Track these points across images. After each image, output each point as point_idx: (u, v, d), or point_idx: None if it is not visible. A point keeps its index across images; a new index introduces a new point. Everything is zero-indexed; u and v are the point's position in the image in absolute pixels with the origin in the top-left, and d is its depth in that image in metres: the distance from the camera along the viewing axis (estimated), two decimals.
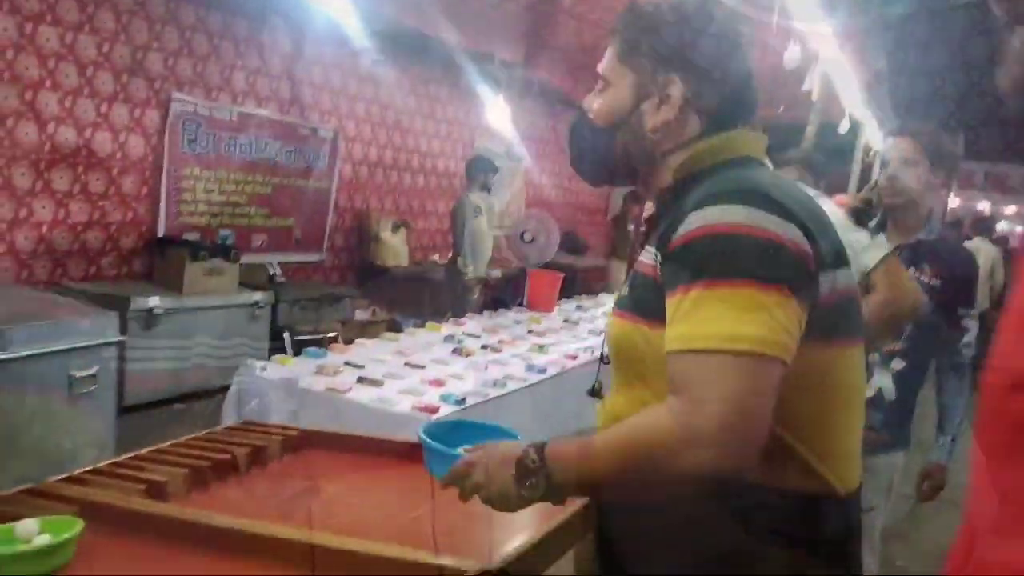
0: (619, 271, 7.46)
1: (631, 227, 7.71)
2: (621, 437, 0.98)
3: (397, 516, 1.49)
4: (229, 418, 3.24)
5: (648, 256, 1.08)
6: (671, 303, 0.98)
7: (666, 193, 1.14)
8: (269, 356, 4.82)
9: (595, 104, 1.19)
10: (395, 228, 6.90)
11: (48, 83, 4.34)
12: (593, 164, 1.23)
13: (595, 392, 1.19)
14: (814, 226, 0.99)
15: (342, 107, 6.43)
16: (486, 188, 5.88)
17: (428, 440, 1.16)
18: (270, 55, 5.70)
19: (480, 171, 5.83)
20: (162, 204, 5.05)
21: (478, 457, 1.09)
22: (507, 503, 1.06)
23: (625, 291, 1.12)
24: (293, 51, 5.87)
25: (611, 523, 1.16)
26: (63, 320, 2.66)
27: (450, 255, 6.07)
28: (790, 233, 0.95)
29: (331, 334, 5.41)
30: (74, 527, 1.26)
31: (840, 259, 1.03)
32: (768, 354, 0.90)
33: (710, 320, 0.92)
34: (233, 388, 3.28)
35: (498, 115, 6.88)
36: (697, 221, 0.98)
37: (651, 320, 1.02)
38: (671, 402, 0.94)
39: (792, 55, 3.69)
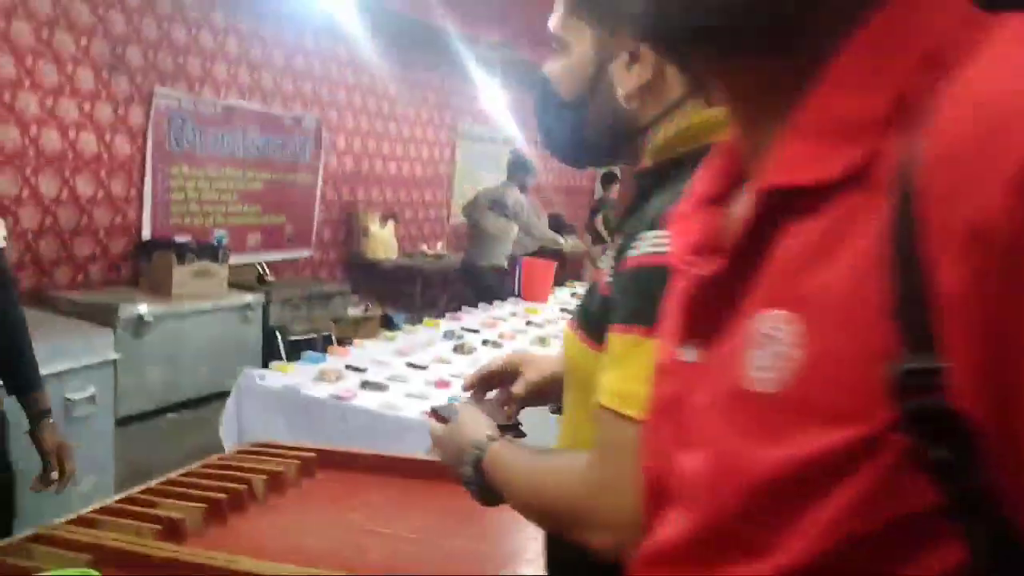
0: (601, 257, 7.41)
1: (600, 215, 7.64)
2: (536, 489, 0.88)
3: (433, 544, 1.42)
4: (230, 429, 3.15)
5: (607, 267, 0.89)
6: (609, 337, 0.82)
7: (643, 178, 0.92)
8: (263, 359, 4.73)
9: (555, 71, 0.97)
10: (384, 220, 6.79)
11: (27, 83, 4.19)
12: (564, 143, 1.01)
13: (559, 410, 1.06)
14: None
15: (324, 95, 6.29)
16: (524, 189, 5.97)
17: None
18: (250, 44, 5.55)
19: (521, 171, 5.94)
20: (147, 205, 4.91)
21: (440, 442, 1.04)
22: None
23: (582, 301, 0.96)
24: (273, 38, 5.73)
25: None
26: (58, 343, 2.55)
27: (480, 248, 6.08)
28: None
29: (324, 333, 5.32)
30: None
31: None
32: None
33: (632, 378, 0.76)
34: (232, 398, 3.19)
35: (490, 98, 6.79)
36: (645, 244, 0.80)
37: (598, 344, 0.86)
38: (583, 470, 0.81)
39: None
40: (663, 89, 0.90)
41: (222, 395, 4.34)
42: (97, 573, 1.20)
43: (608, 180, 7.92)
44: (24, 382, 1.78)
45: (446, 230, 8.11)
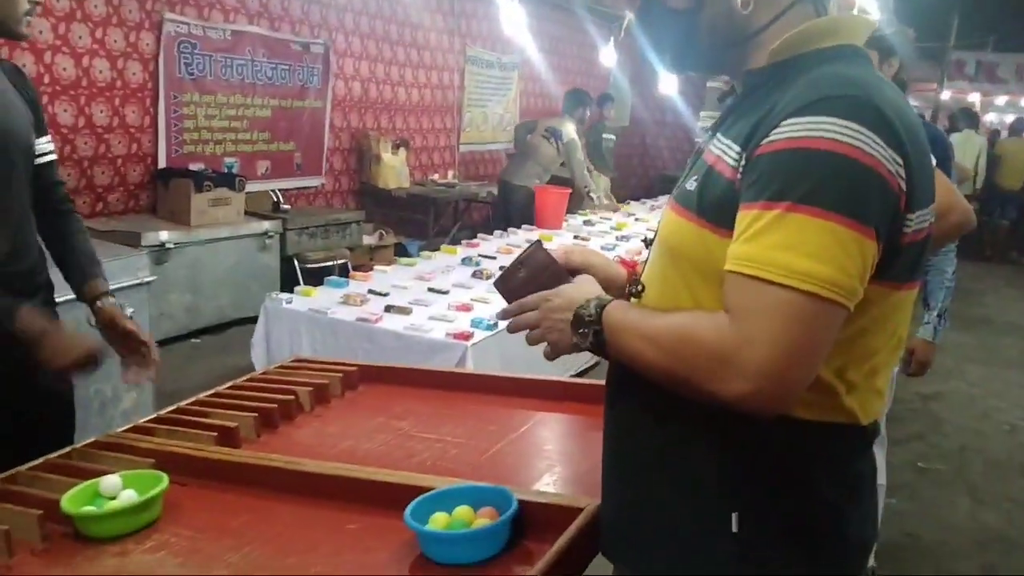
0: (596, 182, 7.41)
1: (604, 139, 7.56)
2: (669, 332, 0.92)
3: (479, 448, 1.47)
4: (259, 352, 3.23)
5: (727, 153, 0.94)
6: (745, 215, 0.87)
7: (756, 76, 0.99)
8: (281, 286, 4.79)
9: None
10: (395, 148, 6.75)
11: (38, 8, 4.13)
12: (676, 52, 1.06)
13: (636, 293, 1.10)
14: (917, 156, 0.89)
15: (331, 20, 6.19)
16: (582, 121, 6.24)
17: (420, 527, 1.07)
18: None
19: (579, 104, 6.15)
20: (162, 133, 4.90)
21: (551, 294, 1.09)
22: (558, 346, 1.08)
23: (692, 185, 0.98)
24: None
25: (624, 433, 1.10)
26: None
27: (517, 168, 6.15)
28: (893, 166, 0.85)
29: (340, 261, 5.36)
30: (159, 482, 1.23)
31: (931, 194, 0.94)
32: (835, 300, 0.83)
33: (784, 248, 0.84)
34: (261, 320, 3.25)
35: (504, 19, 6.66)
36: (795, 129, 0.85)
37: (720, 227, 0.92)
38: (723, 323, 0.88)
39: None
40: None
41: (243, 321, 4.44)
42: (165, 475, 1.25)
43: (604, 101, 7.77)
44: (85, 270, 1.81)
45: (455, 158, 8.06)
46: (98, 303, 1.77)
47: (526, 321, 1.11)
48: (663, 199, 6.47)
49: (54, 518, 1.18)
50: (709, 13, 1.00)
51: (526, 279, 1.15)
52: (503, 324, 3.03)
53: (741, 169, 0.91)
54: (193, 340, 4.52)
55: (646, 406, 1.02)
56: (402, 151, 6.82)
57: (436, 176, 7.55)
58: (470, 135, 8.16)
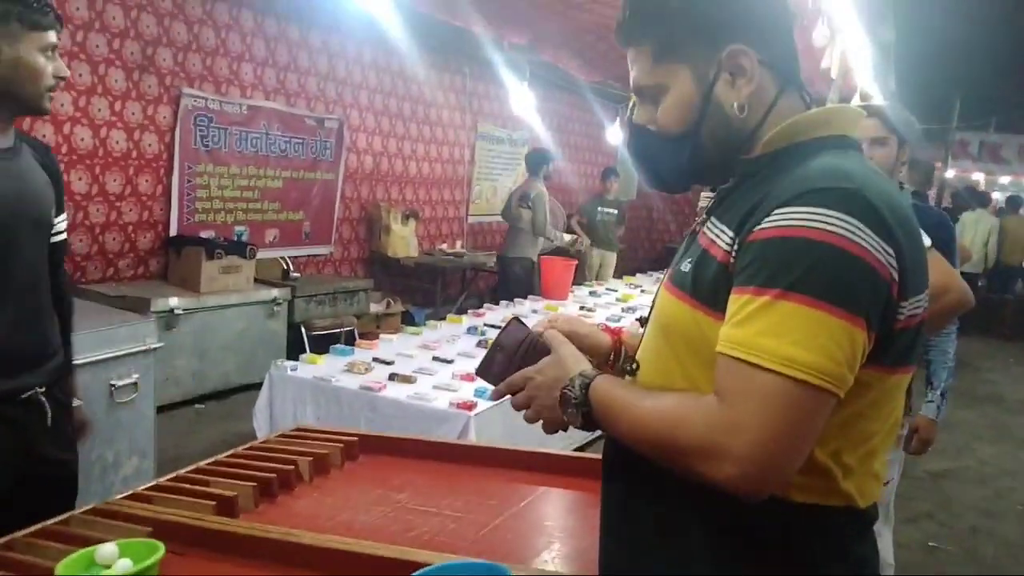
0: (594, 257, 7.52)
1: (600, 212, 7.62)
2: (659, 413, 0.93)
3: (478, 523, 1.46)
4: (262, 419, 3.23)
5: (720, 237, 0.96)
6: (737, 299, 0.89)
7: (751, 165, 1.02)
8: (288, 352, 4.81)
9: (658, 116, 1.05)
10: (404, 219, 6.86)
11: (62, 83, 4.28)
12: (679, 175, 1.10)
13: (631, 371, 1.11)
14: (908, 244, 0.91)
15: (346, 97, 6.37)
16: (547, 177, 6.34)
17: None
18: (276, 46, 5.64)
19: (540, 162, 6.28)
20: (174, 202, 5.00)
21: (534, 371, 1.10)
22: (552, 423, 1.09)
23: (686, 267, 1.00)
24: (299, 40, 5.82)
25: (617, 505, 1.10)
26: (102, 329, 2.62)
27: (511, 242, 6.28)
28: (884, 257, 0.87)
29: (348, 328, 5.38)
30: (155, 551, 1.23)
31: (924, 281, 0.96)
32: (823, 387, 0.84)
33: (773, 334, 0.85)
34: (265, 388, 3.26)
35: (514, 99, 6.87)
36: (787, 218, 0.88)
37: (713, 309, 0.94)
38: (712, 406, 0.88)
39: (822, 33, 3.64)
40: (763, 92, 1.02)
41: (249, 387, 4.44)
42: (161, 544, 1.25)
43: (607, 176, 7.86)
44: (67, 360, 1.85)
45: (464, 229, 8.17)
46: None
47: (517, 402, 1.12)
48: None
49: None
50: (708, 128, 1.03)
51: (505, 360, 1.16)
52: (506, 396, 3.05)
53: (734, 254, 0.93)
54: (197, 406, 4.52)
55: (641, 483, 1.02)
56: (411, 221, 6.92)
57: (444, 246, 7.64)
58: (479, 207, 8.28)
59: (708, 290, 0.95)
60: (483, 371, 1.18)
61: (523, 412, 1.13)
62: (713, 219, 1.01)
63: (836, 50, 4.07)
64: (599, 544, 1.11)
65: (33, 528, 1.39)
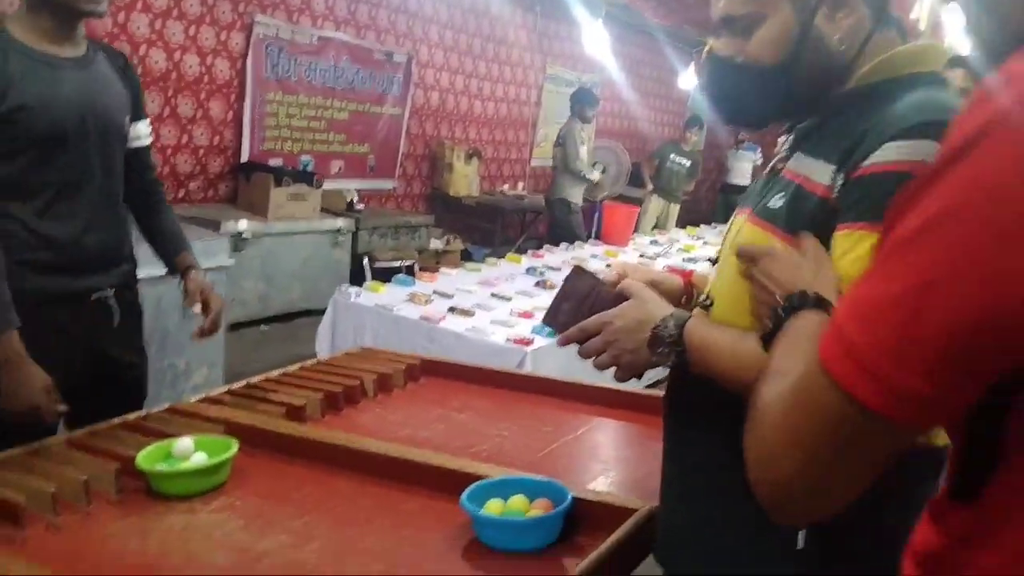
0: (655, 206, 7.40)
1: (672, 160, 7.44)
2: (753, 365, 0.86)
3: (535, 448, 1.49)
4: (324, 341, 3.30)
5: (818, 172, 0.95)
6: (849, 234, 0.88)
7: (842, 98, 1.00)
8: (350, 282, 4.89)
9: (749, 47, 1.02)
10: (468, 157, 6.85)
11: (139, 5, 4.35)
12: (765, 109, 1.07)
13: (706, 307, 1.09)
14: None
15: (416, 31, 6.32)
16: (587, 120, 6.11)
17: (476, 511, 1.10)
18: None
19: (584, 103, 6.02)
20: (245, 128, 5.07)
21: (612, 316, 1.07)
22: (631, 368, 1.07)
23: (777, 203, 0.98)
24: None
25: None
26: None
27: (552, 184, 6.23)
28: None
29: (408, 262, 5.44)
30: (230, 448, 1.28)
31: None
32: None
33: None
34: (328, 312, 3.33)
35: (591, 39, 6.71)
36: (896, 153, 0.87)
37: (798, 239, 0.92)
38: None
39: None
40: (860, 24, 0.99)
41: (312, 313, 4.55)
42: (235, 441, 1.30)
43: (689, 124, 7.66)
44: (172, 246, 1.91)
45: (526, 172, 8.12)
46: (189, 273, 1.86)
47: (592, 347, 1.09)
48: None
49: (128, 473, 1.24)
50: (805, 60, 1.00)
51: (573, 309, 1.14)
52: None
53: (837, 189, 0.92)
54: (262, 327, 4.64)
55: (713, 424, 1.02)
56: (474, 161, 6.91)
57: (506, 187, 7.62)
58: (543, 150, 8.21)
59: (805, 224, 0.94)
60: (550, 318, 1.17)
61: (593, 358, 1.10)
62: (801, 154, 1.00)
63: (926, 1, 3.89)
64: (662, 476, 1.12)
65: (113, 421, 1.47)
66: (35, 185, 1.62)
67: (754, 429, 0.65)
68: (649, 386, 2.39)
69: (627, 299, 1.09)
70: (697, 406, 1.04)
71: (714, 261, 1.17)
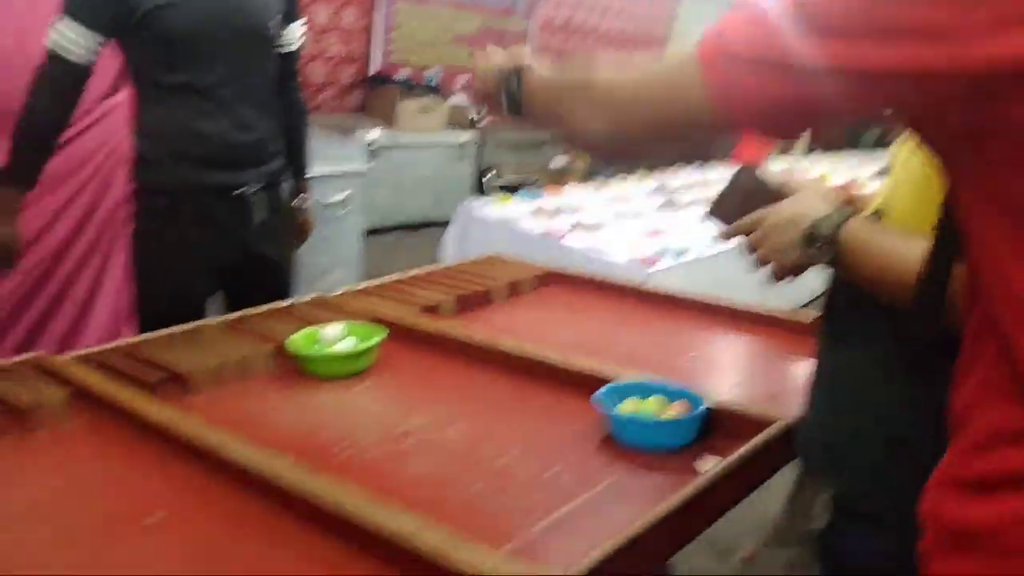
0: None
1: None
2: (908, 271, 0.86)
3: (665, 358, 1.48)
4: (449, 250, 3.38)
5: None
6: None
7: None
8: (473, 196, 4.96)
9: None
10: None
11: None
12: None
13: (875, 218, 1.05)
14: None
15: None
16: None
17: (612, 408, 1.11)
18: None
19: None
20: (376, 39, 5.12)
21: (770, 211, 1.06)
22: (783, 266, 1.04)
23: None
24: None
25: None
26: (316, 150, 2.80)
27: None
28: None
29: (532, 179, 5.45)
30: (377, 334, 1.34)
31: None
32: None
33: None
34: (453, 223, 3.40)
35: None
36: None
37: None
38: None
39: None
40: None
41: (435, 224, 4.65)
42: (384, 328, 1.37)
43: None
44: (298, 165, 1.99)
45: None
46: (299, 199, 1.99)
47: (752, 241, 1.07)
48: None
49: (280, 355, 1.33)
50: None
51: (738, 203, 1.12)
52: (691, 255, 3.01)
53: None
54: (390, 235, 4.79)
55: (867, 342, 0.99)
56: None
57: None
58: None
59: None
60: (715, 210, 1.16)
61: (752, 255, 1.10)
62: None
63: None
64: (812, 393, 1.10)
65: (263, 308, 1.56)
66: (188, 83, 1.70)
67: (607, 90, 0.73)
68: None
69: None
70: (852, 323, 1.01)
71: (882, 172, 1.11)
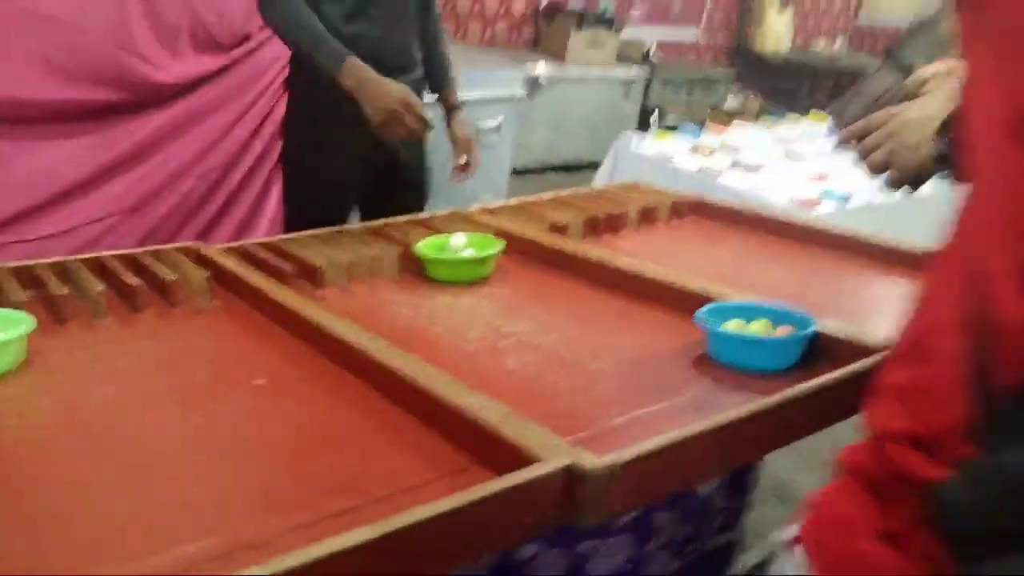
0: None
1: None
2: None
3: (790, 289, 1.44)
4: (601, 184, 3.37)
5: None
6: None
7: None
8: None
9: None
10: (782, 5, 6.31)
11: None
12: None
13: None
14: None
15: None
16: None
17: (715, 326, 1.08)
18: None
19: None
20: None
21: (902, 107, 1.00)
22: (906, 166, 0.99)
23: None
24: None
25: None
26: (474, 73, 2.87)
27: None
28: None
29: (700, 119, 5.28)
30: (497, 245, 1.40)
31: None
32: None
33: None
34: (608, 157, 3.37)
35: None
36: None
37: None
38: None
39: None
40: None
41: (589, 167, 4.63)
42: (502, 241, 1.42)
43: None
44: (439, 79, 2.03)
45: (849, 27, 7.32)
46: (456, 115, 2.00)
47: (871, 143, 1.03)
48: None
49: (408, 259, 1.41)
50: None
51: (864, 107, 1.06)
52: (855, 203, 2.83)
53: None
54: (548, 173, 4.83)
55: None
56: (790, 10, 6.36)
57: (822, 43, 6.95)
58: (876, 3, 7.29)
59: None
60: (836, 116, 1.11)
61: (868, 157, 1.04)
62: None
63: None
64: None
65: (401, 218, 1.66)
66: None
67: None
68: None
69: None
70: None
71: None
